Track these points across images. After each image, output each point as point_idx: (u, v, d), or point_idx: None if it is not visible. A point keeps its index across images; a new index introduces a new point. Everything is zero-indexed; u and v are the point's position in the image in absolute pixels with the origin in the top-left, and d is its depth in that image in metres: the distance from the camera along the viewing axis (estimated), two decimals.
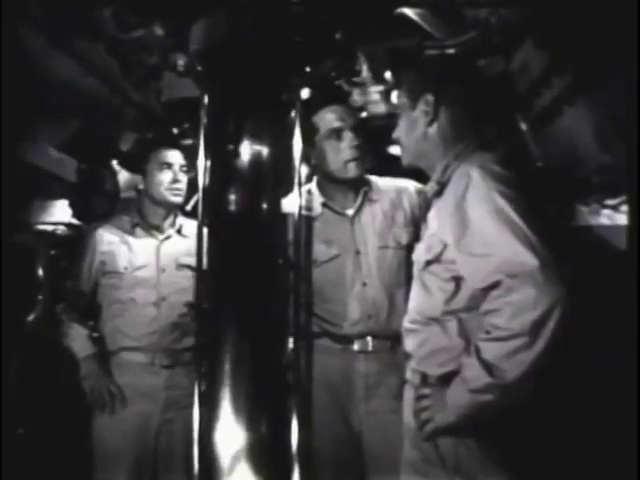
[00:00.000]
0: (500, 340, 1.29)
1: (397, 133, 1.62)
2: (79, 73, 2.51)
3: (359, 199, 2.10)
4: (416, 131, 1.55)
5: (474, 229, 1.36)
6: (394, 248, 2.07)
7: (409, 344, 1.52)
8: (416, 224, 2.09)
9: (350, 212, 2.10)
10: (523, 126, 2.48)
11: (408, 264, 1.90)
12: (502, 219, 1.33)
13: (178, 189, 2.37)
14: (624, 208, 2.06)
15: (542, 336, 1.25)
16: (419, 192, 2.09)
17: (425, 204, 1.91)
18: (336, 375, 1.99)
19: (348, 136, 2.03)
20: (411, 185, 2.15)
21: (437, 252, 1.44)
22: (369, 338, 2.02)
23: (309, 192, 2.12)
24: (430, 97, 1.52)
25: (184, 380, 2.26)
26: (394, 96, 2.42)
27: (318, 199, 2.11)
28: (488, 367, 1.29)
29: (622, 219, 2.07)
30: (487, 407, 1.31)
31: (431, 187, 1.54)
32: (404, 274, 2.02)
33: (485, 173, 1.39)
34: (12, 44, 2.11)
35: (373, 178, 2.17)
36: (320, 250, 2.06)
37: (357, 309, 2.02)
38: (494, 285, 1.31)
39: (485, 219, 1.35)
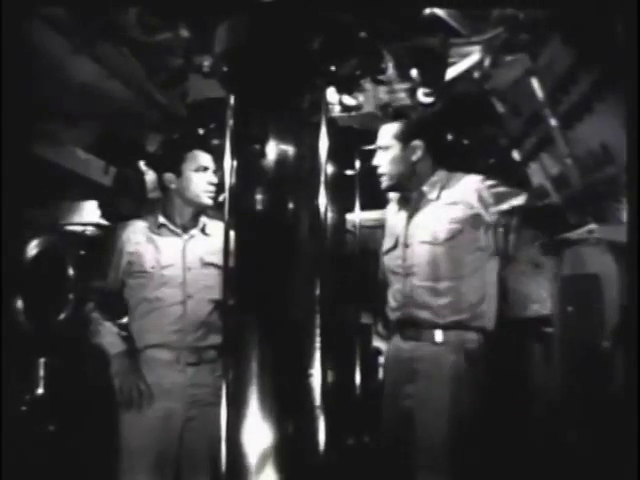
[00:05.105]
0: None
1: None
2: (104, 76, 2.53)
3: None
4: None
5: None
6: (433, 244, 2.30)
7: None
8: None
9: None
10: (552, 122, 2.45)
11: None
12: None
13: (213, 191, 2.42)
14: None
15: None
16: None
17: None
18: None
19: None
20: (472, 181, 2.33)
21: None
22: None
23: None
24: None
25: (209, 378, 2.28)
26: (420, 93, 2.43)
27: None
28: None
29: None
30: None
31: None
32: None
33: None
34: (38, 48, 2.15)
35: (442, 175, 2.39)
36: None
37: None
38: None
39: None
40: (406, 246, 2.38)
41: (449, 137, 2.95)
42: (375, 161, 2.46)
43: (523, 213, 2.39)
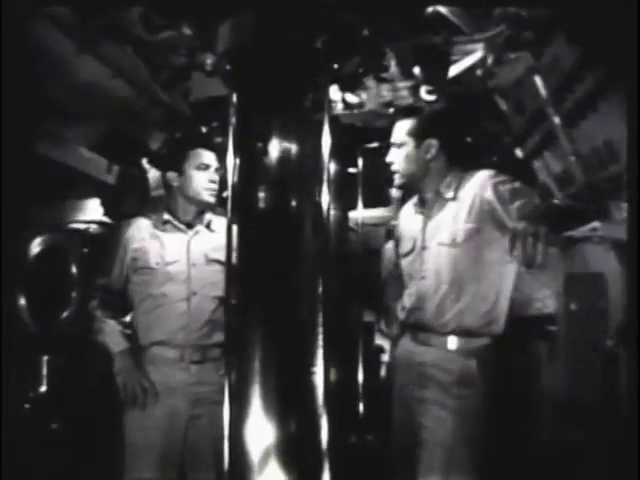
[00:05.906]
0: None
1: None
2: (108, 75, 2.54)
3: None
4: None
5: None
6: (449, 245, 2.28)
7: None
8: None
9: None
10: (556, 120, 2.44)
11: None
12: None
13: (214, 189, 2.42)
14: None
15: None
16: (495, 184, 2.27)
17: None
18: None
19: None
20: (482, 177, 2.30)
21: None
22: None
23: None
24: None
25: (213, 376, 2.28)
26: (422, 91, 2.43)
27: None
28: None
29: None
30: None
31: None
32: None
33: None
34: (41, 47, 2.15)
35: (457, 174, 2.37)
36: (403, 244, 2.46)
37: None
38: None
39: None
40: (423, 249, 2.36)
41: (455, 135, 2.94)
42: (389, 158, 2.43)
43: (549, 219, 2.33)
